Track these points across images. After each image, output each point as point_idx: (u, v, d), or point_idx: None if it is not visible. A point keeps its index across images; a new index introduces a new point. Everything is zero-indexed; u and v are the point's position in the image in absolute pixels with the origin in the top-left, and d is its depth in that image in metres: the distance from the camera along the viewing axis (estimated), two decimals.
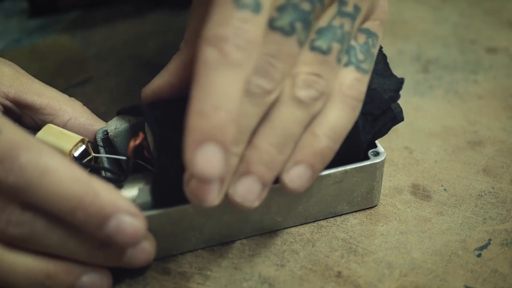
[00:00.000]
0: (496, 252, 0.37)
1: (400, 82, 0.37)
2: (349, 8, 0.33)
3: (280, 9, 0.31)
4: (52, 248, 0.31)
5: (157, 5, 0.62)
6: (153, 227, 0.34)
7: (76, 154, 0.36)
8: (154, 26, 0.59)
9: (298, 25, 0.31)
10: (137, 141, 0.36)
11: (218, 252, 0.37)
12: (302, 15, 0.31)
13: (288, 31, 0.31)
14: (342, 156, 0.36)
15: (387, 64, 0.38)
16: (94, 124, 0.39)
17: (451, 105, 0.50)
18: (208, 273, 0.36)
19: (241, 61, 0.29)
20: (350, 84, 0.33)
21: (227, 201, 0.32)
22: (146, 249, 0.33)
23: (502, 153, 0.44)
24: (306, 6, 0.31)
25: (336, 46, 0.33)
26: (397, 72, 0.55)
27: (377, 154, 0.38)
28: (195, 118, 0.29)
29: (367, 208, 0.40)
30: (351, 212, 0.39)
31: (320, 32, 0.33)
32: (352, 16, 0.33)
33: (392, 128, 0.39)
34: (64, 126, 0.38)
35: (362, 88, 0.34)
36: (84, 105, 0.40)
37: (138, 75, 0.53)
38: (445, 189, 0.41)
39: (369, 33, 0.35)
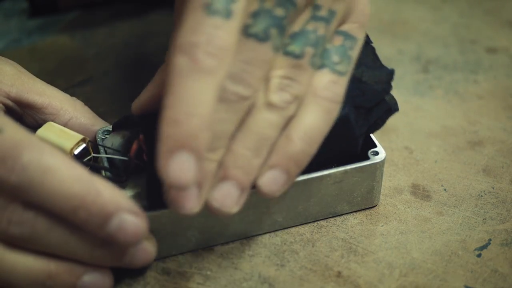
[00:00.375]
0: (496, 252, 0.37)
1: (390, 73, 0.37)
2: (323, 13, 0.33)
3: (254, 15, 0.30)
4: (53, 248, 0.31)
5: (157, 5, 0.62)
6: (153, 227, 0.34)
7: (77, 152, 0.36)
8: (154, 26, 0.59)
9: (273, 31, 0.31)
10: (140, 143, 0.36)
11: (218, 252, 0.37)
12: (276, 21, 0.31)
13: (262, 38, 0.30)
14: (339, 153, 0.36)
15: (376, 56, 0.38)
16: (95, 124, 0.39)
17: (451, 105, 0.50)
18: (208, 273, 0.36)
19: (212, 68, 0.29)
20: (325, 86, 0.33)
21: (207, 208, 0.31)
22: (147, 249, 0.33)
23: (502, 153, 0.44)
24: (279, 12, 0.31)
25: (309, 50, 0.32)
26: (397, 72, 0.55)
27: (377, 154, 0.38)
28: (167, 126, 0.29)
29: (367, 208, 0.40)
30: (351, 212, 0.39)
31: (293, 36, 0.32)
32: (326, 20, 0.33)
33: (392, 128, 0.39)
34: (65, 125, 0.38)
35: (338, 90, 0.33)
36: (84, 105, 0.41)
37: (138, 75, 0.53)
38: (445, 189, 0.41)
39: (347, 36, 0.34)
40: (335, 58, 0.34)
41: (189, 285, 0.35)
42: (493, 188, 0.42)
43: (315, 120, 0.33)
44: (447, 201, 0.41)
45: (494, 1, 0.65)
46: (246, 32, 0.30)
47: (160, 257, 0.36)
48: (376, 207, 0.40)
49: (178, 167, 0.29)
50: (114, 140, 0.38)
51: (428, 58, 0.56)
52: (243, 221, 0.37)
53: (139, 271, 0.36)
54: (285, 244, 0.38)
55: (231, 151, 0.31)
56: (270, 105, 0.32)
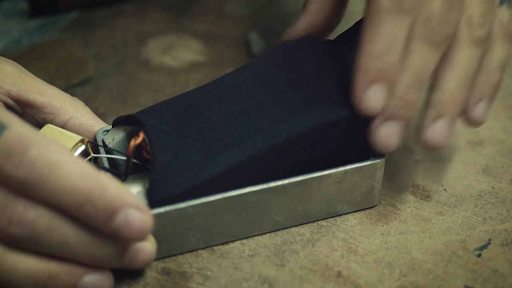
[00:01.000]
0: (496, 252, 0.37)
1: None
2: None
3: None
4: (53, 249, 0.31)
5: (157, 5, 0.62)
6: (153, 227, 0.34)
7: (76, 154, 0.36)
8: (154, 26, 0.59)
9: None
10: (138, 140, 0.36)
11: (218, 252, 0.37)
12: None
13: None
14: (356, 149, 0.37)
15: None
16: (95, 124, 0.39)
17: None
18: (208, 273, 0.36)
19: (412, 9, 0.33)
20: (508, 21, 0.37)
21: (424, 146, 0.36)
22: (146, 250, 0.33)
23: (502, 153, 0.44)
24: None
25: None
26: None
27: (377, 154, 0.38)
28: (367, 59, 0.33)
29: (367, 208, 0.40)
30: (351, 212, 0.39)
31: None
32: None
33: None
34: (65, 125, 0.38)
35: None
36: (84, 105, 0.40)
37: (138, 75, 0.53)
38: (445, 189, 0.41)
39: None
40: None
41: (189, 285, 0.35)
42: (493, 188, 0.42)
43: (505, 52, 0.37)
44: (447, 201, 0.41)
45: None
46: None
47: (160, 257, 0.36)
48: (376, 207, 0.40)
49: (374, 97, 0.33)
50: (116, 135, 0.38)
51: None
52: (243, 221, 0.37)
53: (139, 271, 0.36)
54: (285, 244, 0.38)
55: (442, 89, 0.35)
56: (476, 41, 0.35)
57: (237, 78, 0.38)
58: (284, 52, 0.40)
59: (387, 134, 0.35)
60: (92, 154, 0.37)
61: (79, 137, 0.36)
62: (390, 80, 0.33)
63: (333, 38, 0.41)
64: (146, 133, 0.36)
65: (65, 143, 0.36)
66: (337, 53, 0.39)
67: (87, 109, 0.40)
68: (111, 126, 0.39)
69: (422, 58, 0.34)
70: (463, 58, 0.35)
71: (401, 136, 0.35)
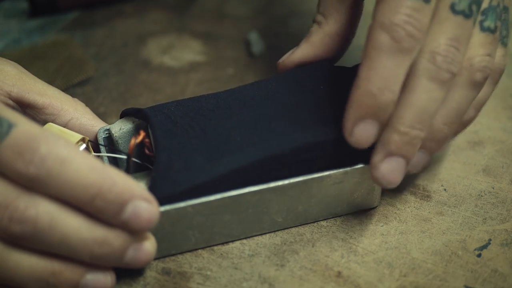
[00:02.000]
0: (496, 252, 0.37)
1: None
2: None
3: None
4: (54, 247, 0.31)
5: (157, 5, 0.62)
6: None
7: None
8: (154, 26, 0.59)
9: (474, 8, 0.34)
10: (138, 139, 0.36)
11: (218, 252, 0.37)
12: None
13: (468, 14, 0.34)
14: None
15: None
16: (95, 125, 0.39)
17: None
18: (208, 273, 0.36)
19: (411, 48, 0.32)
20: (500, 61, 0.37)
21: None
22: (147, 249, 0.33)
23: (502, 153, 0.44)
24: None
25: (499, 25, 0.36)
26: None
27: None
28: (361, 95, 0.33)
29: (367, 209, 0.40)
30: (351, 213, 0.39)
31: (485, 12, 0.35)
32: None
33: None
34: (65, 126, 0.39)
35: (506, 61, 0.38)
36: (85, 106, 0.41)
37: (138, 75, 0.53)
38: (445, 189, 0.41)
39: (505, 9, 0.38)
40: (504, 32, 0.37)
41: (189, 285, 0.35)
42: (493, 188, 0.42)
43: (487, 92, 0.38)
44: (447, 201, 0.41)
45: None
46: (453, 9, 0.33)
47: (160, 256, 0.36)
48: (376, 207, 0.40)
49: (363, 132, 0.34)
50: (123, 125, 0.39)
51: None
52: (243, 221, 0.37)
53: (139, 271, 0.36)
54: (285, 244, 0.38)
55: (435, 129, 0.35)
56: (474, 83, 0.35)
57: (249, 91, 0.39)
58: (299, 74, 0.40)
59: (390, 170, 0.35)
60: (93, 153, 0.37)
61: (80, 136, 0.36)
62: (382, 118, 0.33)
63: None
64: (152, 129, 0.37)
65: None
66: (350, 79, 0.39)
67: (87, 109, 0.40)
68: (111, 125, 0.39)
69: (427, 96, 0.33)
70: (458, 98, 0.35)
71: (404, 173, 0.35)
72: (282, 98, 0.39)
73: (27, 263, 0.31)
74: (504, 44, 0.37)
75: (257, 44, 0.56)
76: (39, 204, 0.30)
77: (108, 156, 0.38)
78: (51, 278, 0.31)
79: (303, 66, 0.41)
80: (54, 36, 0.57)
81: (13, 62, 0.40)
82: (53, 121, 0.38)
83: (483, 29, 0.35)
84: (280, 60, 0.41)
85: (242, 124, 0.37)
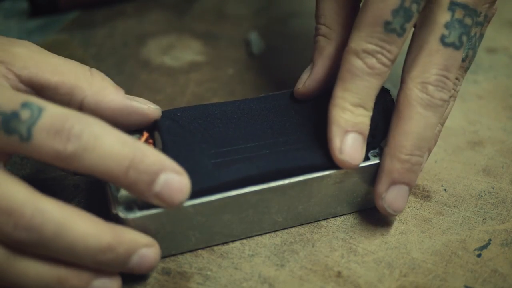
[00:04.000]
0: (496, 252, 0.37)
1: None
2: (480, 18, 0.38)
3: (448, 26, 0.36)
4: (60, 254, 0.31)
5: (157, 5, 0.62)
6: (153, 227, 0.34)
7: None
8: (154, 26, 0.59)
9: (464, 38, 0.36)
10: (141, 140, 0.36)
11: (218, 252, 0.37)
12: (466, 29, 0.36)
13: (458, 46, 0.36)
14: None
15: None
16: (114, 99, 0.36)
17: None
18: (208, 273, 0.36)
19: (382, 74, 0.36)
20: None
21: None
22: (152, 256, 0.33)
23: (502, 153, 0.44)
24: (468, 21, 0.36)
25: (470, 53, 0.39)
26: (398, 72, 0.55)
27: (377, 155, 0.38)
28: (338, 112, 0.36)
29: (367, 208, 0.40)
30: (351, 212, 0.39)
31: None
32: (481, 24, 0.39)
33: None
34: (80, 105, 0.35)
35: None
36: (104, 77, 0.37)
37: (138, 75, 0.53)
38: (445, 189, 0.41)
39: (480, 37, 0.40)
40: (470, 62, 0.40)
41: (189, 285, 0.35)
42: (493, 188, 0.42)
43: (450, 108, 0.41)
44: (447, 201, 0.41)
45: None
46: (443, 41, 0.36)
47: (160, 257, 0.36)
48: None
49: (352, 146, 0.36)
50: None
51: None
52: (243, 221, 0.37)
53: None
54: (285, 244, 0.38)
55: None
56: (435, 105, 0.37)
57: (257, 105, 0.40)
58: None
59: (395, 198, 0.37)
60: None
61: None
62: (363, 132, 0.36)
63: None
64: (160, 131, 0.37)
65: None
66: None
67: (105, 83, 0.36)
68: None
69: (424, 122, 0.36)
70: (421, 122, 0.36)
71: (407, 199, 0.37)
72: (290, 115, 0.39)
73: (33, 270, 0.31)
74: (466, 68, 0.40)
75: (257, 44, 0.56)
76: (45, 211, 0.30)
77: None
78: (58, 285, 0.31)
79: None
80: (54, 36, 0.57)
81: (23, 41, 0.37)
82: (69, 101, 0.35)
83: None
84: (299, 86, 0.40)
85: (251, 135, 0.38)
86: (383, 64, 0.36)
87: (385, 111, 0.39)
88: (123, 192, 0.36)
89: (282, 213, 0.37)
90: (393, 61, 0.36)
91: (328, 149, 0.36)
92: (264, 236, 0.38)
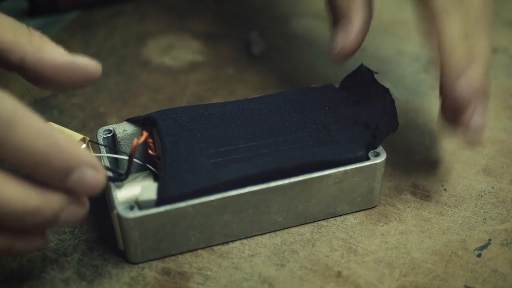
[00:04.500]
0: (496, 252, 0.37)
1: (397, 125, 0.39)
2: None
3: None
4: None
5: (156, 5, 0.62)
6: (153, 227, 0.34)
7: None
8: (154, 26, 0.59)
9: None
10: (141, 139, 0.36)
11: (218, 252, 0.37)
12: None
13: None
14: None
15: (395, 109, 0.39)
16: (56, 57, 0.34)
17: None
18: (208, 273, 0.36)
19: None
20: None
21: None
22: (79, 213, 0.31)
23: (502, 153, 0.44)
24: None
25: None
26: (397, 72, 0.55)
27: (377, 154, 0.38)
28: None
29: (367, 209, 0.40)
30: (351, 213, 0.39)
31: None
32: None
33: None
34: (21, 64, 0.33)
35: None
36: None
37: (138, 75, 0.53)
38: (445, 189, 0.41)
39: None
40: None
41: (189, 285, 0.35)
42: (493, 188, 0.42)
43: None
44: (447, 201, 0.41)
45: (494, 1, 0.65)
46: None
47: (160, 256, 0.36)
48: (376, 207, 0.40)
49: (480, 118, 0.36)
50: (128, 127, 0.39)
51: (428, 58, 0.56)
52: (243, 221, 0.37)
53: (139, 271, 0.36)
54: (285, 244, 0.38)
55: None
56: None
57: (256, 104, 0.40)
58: (305, 93, 0.41)
59: (479, 120, 0.37)
60: (93, 154, 0.37)
61: (80, 136, 0.36)
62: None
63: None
64: (159, 131, 0.37)
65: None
66: (352, 100, 0.40)
67: (45, 39, 0.34)
68: (111, 125, 0.39)
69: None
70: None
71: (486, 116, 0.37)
72: (289, 114, 0.40)
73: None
74: None
75: (257, 44, 0.56)
76: None
77: (108, 157, 0.38)
78: (35, 215, 0.30)
79: (310, 87, 0.42)
80: (54, 36, 0.57)
81: None
82: (7, 59, 0.33)
83: None
84: (337, 49, 0.38)
85: (250, 134, 0.38)
86: None
87: (386, 111, 0.39)
88: (123, 192, 0.36)
89: (282, 213, 0.37)
90: None
91: (329, 147, 0.36)
92: (264, 236, 0.38)
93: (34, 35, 0.34)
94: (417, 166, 0.43)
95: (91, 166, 0.30)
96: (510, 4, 0.64)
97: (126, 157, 0.36)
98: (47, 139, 0.29)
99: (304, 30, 0.60)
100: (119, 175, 0.35)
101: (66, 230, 0.38)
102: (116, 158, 0.38)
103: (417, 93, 0.51)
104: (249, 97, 0.41)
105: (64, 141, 0.29)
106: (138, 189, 0.36)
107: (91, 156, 0.30)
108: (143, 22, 0.60)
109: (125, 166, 0.36)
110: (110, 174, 0.36)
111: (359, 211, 0.39)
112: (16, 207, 0.29)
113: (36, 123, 0.29)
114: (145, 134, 0.37)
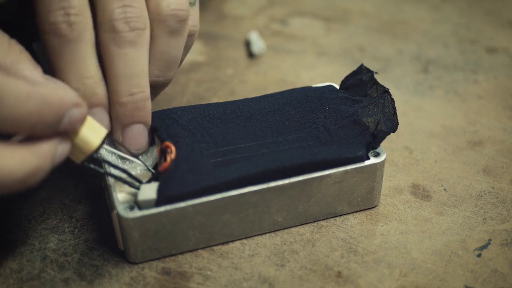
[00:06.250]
0: (496, 252, 0.37)
1: (397, 125, 0.38)
2: None
3: None
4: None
5: None
6: (153, 227, 0.34)
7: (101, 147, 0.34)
8: None
9: None
10: (172, 156, 0.36)
11: (218, 252, 0.37)
12: None
13: None
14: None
15: (394, 109, 0.39)
16: (34, 75, 0.32)
17: (451, 105, 0.50)
18: (208, 273, 0.36)
19: (76, 35, 0.33)
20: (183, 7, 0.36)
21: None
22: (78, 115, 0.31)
23: (502, 153, 0.44)
24: None
25: None
26: (397, 72, 0.55)
27: (377, 154, 0.38)
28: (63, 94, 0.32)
29: (367, 208, 0.40)
30: (351, 212, 0.39)
31: None
32: None
33: None
34: None
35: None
36: (22, 50, 0.35)
37: None
38: (445, 189, 0.41)
39: None
40: None
41: (189, 285, 0.35)
42: (493, 188, 0.42)
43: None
44: (447, 201, 0.41)
45: (494, 1, 0.65)
46: None
47: (160, 256, 0.36)
48: (376, 207, 0.40)
49: (133, 136, 0.36)
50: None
51: (428, 58, 0.56)
52: (243, 221, 0.37)
53: (139, 271, 0.36)
54: (285, 244, 0.38)
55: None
56: (170, 30, 0.36)
57: (256, 104, 0.40)
58: (305, 93, 0.41)
59: (132, 138, 0.36)
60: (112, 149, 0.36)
61: (105, 131, 0.34)
62: (146, 116, 0.36)
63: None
64: (159, 131, 0.37)
65: (95, 134, 0.33)
66: (352, 100, 0.40)
67: (22, 56, 0.33)
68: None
69: (127, 61, 0.35)
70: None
71: (147, 135, 0.37)
72: (289, 114, 0.40)
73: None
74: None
75: (257, 44, 0.56)
76: None
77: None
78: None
79: (311, 87, 0.42)
80: None
81: None
82: None
83: None
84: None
85: (250, 134, 0.38)
86: (72, 24, 0.33)
87: (386, 111, 0.39)
88: (123, 192, 0.36)
89: (282, 213, 0.37)
90: (83, 13, 0.33)
91: (329, 147, 0.37)
92: (264, 236, 0.38)
93: (12, 49, 0.32)
94: (417, 166, 0.43)
95: (76, 105, 0.31)
96: (510, 4, 0.65)
97: (136, 159, 0.36)
98: (37, 100, 0.29)
99: (304, 30, 0.60)
100: (137, 181, 0.35)
101: (66, 230, 0.38)
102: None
103: (417, 93, 0.51)
104: (249, 97, 0.41)
105: (49, 93, 0.30)
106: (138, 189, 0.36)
107: (71, 94, 0.31)
108: None
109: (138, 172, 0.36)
110: (127, 178, 0.35)
111: (359, 211, 0.39)
112: (19, 174, 0.29)
113: (22, 87, 0.29)
114: (172, 147, 0.36)
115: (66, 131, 0.31)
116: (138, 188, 0.35)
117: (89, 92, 0.34)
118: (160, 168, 0.36)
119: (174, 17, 0.36)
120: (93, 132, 0.33)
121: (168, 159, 0.36)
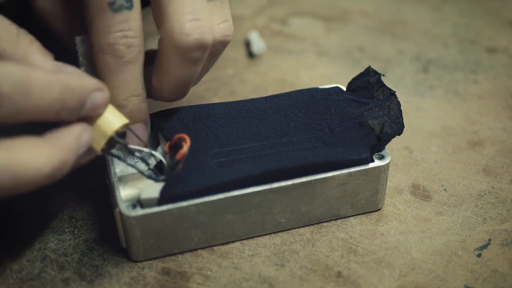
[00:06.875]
0: (496, 252, 0.37)
1: (402, 128, 0.38)
2: None
3: None
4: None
5: None
6: (155, 225, 0.34)
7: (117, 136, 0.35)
8: (154, 26, 0.59)
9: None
10: (185, 149, 0.36)
11: (218, 252, 0.37)
12: None
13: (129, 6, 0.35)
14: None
15: (400, 112, 0.39)
16: (45, 63, 0.32)
17: (451, 105, 0.50)
18: (208, 273, 0.36)
19: (134, 56, 0.34)
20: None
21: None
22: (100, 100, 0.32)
23: (502, 153, 0.44)
24: None
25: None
26: (397, 72, 0.55)
27: (382, 157, 0.38)
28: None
29: (371, 211, 0.40)
30: (355, 215, 0.39)
31: None
32: None
33: None
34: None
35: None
36: (33, 41, 0.34)
37: None
38: (445, 189, 0.41)
39: None
40: None
41: (189, 285, 0.35)
42: (493, 188, 0.42)
43: None
44: (447, 201, 0.41)
45: (494, 1, 0.65)
46: (112, 7, 0.34)
47: (162, 255, 0.36)
48: (380, 209, 0.40)
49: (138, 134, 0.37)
50: None
51: (428, 58, 0.56)
52: (245, 221, 0.37)
53: (139, 271, 0.36)
54: (285, 244, 0.38)
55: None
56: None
57: (262, 105, 0.40)
58: (311, 94, 0.41)
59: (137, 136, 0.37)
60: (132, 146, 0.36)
61: (125, 121, 0.34)
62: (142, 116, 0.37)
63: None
64: (163, 131, 0.37)
65: (117, 117, 0.34)
66: (358, 102, 0.40)
67: (33, 47, 0.32)
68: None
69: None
70: None
71: (148, 132, 0.37)
72: (294, 115, 0.40)
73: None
74: None
75: (257, 44, 0.56)
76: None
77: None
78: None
79: (317, 88, 0.42)
80: None
81: None
82: None
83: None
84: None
85: (255, 135, 0.38)
86: (131, 46, 0.34)
87: (391, 114, 0.38)
88: (126, 191, 0.36)
89: (285, 214, 0.37)
90: (139, 36, 0.35)
91: (333, 148, 0.37)
92: (264, 236, 0.38)
93: (22, 40, 0.32)
94: (417, 166, 0.43)
95: (97, 89, 0.32)
96: (510, 4, 0.65)
97: (148, 150, 0.36)
98: (59, 87, 0.30)
99: (304, 30, 0.60)
100: (158, 176, 0.35)
101: (66, 230, 0.38)
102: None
103: (417, 93, 0.51)
104: (254, 97, 0.41)
105: (70, 80, 0.30)
106: (141, 186, 0.36)
107: (92, 79, 0.32)
108: (143, 22, 0.60)
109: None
110: (147, 171, 0.36)
111: (363, 213, 0.39)
112: (47, 170, 0.30)
113: (45, 76, 0.29)
114: (187, 139, 0.36)
115: (88, 116, 0.32)
116: (157, 180, 0.35)
117: (135, 109, 0.36)
118: (177, 156, 0.35)
119: (195, 47, 0.35)
120: (114, 116, 0.33)
121: (184, 146, 0.36)
